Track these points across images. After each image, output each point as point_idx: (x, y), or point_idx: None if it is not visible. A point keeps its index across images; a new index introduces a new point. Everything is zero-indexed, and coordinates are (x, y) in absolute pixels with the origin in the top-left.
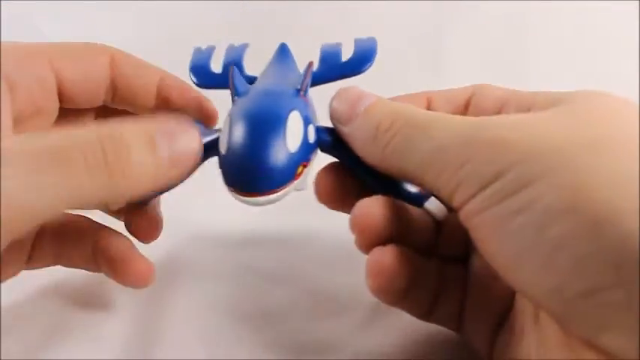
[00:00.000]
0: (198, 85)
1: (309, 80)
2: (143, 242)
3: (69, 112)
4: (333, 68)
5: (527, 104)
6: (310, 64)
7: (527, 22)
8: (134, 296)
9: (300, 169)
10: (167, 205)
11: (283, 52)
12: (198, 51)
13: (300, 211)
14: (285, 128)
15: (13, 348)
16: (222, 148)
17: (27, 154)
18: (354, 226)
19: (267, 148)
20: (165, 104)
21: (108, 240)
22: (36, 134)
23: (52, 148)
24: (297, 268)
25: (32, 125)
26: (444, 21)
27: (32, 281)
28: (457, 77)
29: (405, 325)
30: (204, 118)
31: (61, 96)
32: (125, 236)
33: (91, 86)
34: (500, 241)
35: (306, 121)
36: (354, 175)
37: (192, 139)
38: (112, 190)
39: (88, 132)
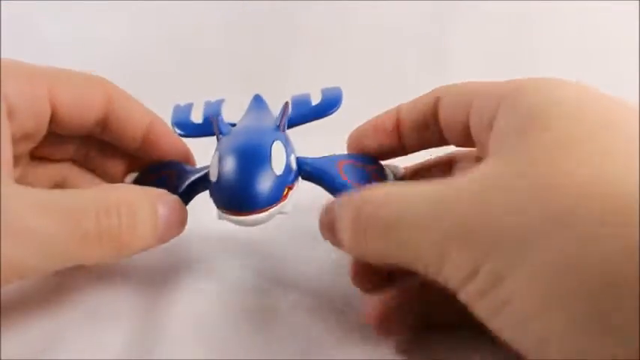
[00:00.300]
0: (182, 135)
1: (286, 118)
2: None
3: (53, 135)
4: (304, 112)
5: (489, 114)
6: (286, 103)
7: (527, 23)
8: (135, 296)
9: (285, 190)
10: None
11: (258, 101)
12: (177, 107)
13: (302, 213)
14: (270, 154)
15: (13, 348)
16: (213, 177)
17: (39, 213)
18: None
19: (255, 171)
20: (150, 146)
21: None
22: (47, 192)
23: (66, 209)
24: (299, 268)
25: (16, 149)
26: (444, 21)
27: (32, 281)
28: (458, 77)
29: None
30: (184, 160)
31: (52, 122)
32: None
33: (83, 118)
34: (496, 328)
35: (288, 150)
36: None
37: (182, 213)
38: (110, 256)
39: (98, 198)
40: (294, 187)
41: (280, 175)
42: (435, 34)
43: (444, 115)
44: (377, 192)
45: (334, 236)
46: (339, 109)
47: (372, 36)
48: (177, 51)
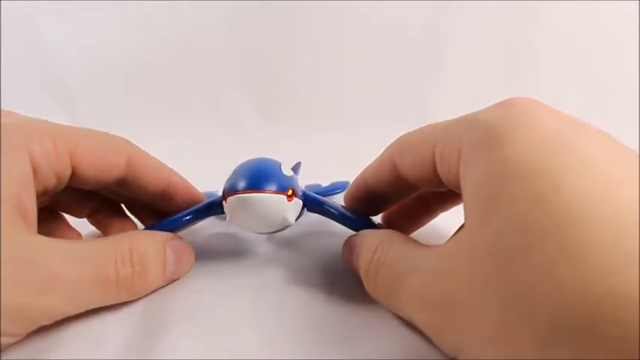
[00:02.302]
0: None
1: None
2: None
3: (73, 191)
4: (316, 192)
5: (454, 164)
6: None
7: (527, 23)
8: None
9: (290, 191)
10: None
11: None
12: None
13: (306, 218)
14: (279, 164)
15: (13, 348)
16: (227, 183)
17: (65, 262)
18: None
19: (265, 165)
20: (168, 199)
21: None
22: (70, 242)
23: (89, 258)
24: (301, 268)
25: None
26: (444, 21)
27: None
28: (457, 77)
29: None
30: None
31: (72, 180)
32: None
33: (102, 177)
34: None
35: (296, 173)
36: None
37: (187, 245)
38: (126, 297)
39: (115, 247)
40: (299, 202)
41: (287, 177)
42: (434, 34)
43: (407, 174)
44: (391, 253)
45: (351, 263)
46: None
47: (372, 36)
48: (178, 50)
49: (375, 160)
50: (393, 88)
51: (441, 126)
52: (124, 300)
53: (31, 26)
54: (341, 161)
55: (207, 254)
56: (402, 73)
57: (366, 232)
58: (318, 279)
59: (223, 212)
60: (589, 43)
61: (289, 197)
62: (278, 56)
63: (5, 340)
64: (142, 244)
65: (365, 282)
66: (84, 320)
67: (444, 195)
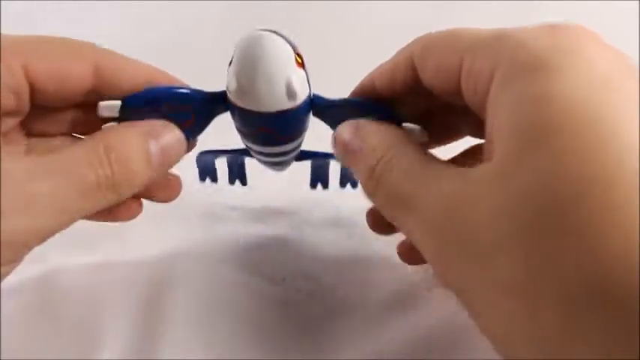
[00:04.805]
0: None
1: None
2: (164, 201)
3: (43, 109)
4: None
5: (484, 84)
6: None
7: (527, 23)
8: (135, 296)
9: (299, 59)
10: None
11: None
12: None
13: (303, 214)
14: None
15: (14, 348)
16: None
17: (40, 178)
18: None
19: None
20: None
21: None
22: (42, 157)
23: (63, 169)
24: (301, 268)
25: (3, 125)
26: (444, 21)
27: (33, 281)
28: None
29: (413, 324)
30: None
31: (34, 96)
32: None
33: (67, 89)
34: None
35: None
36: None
37: (176, 135)
38: (114, 199)
39: (89, 151)
40: (304, 76)
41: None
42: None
43: (428, 80)
44: (402, 163)
45: (347, 158)
46: None
47: (373, 36)
48: (177, 51)
49: (388, 62)
50: None
51: (472, 34)
52: (114, 202)
53: (31, 26)
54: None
55: (207, 254)
56: None
57: (370, 126)
58: (319, 279)
59: (225, 107)
60: None
61: (298, 61)
62: None
63: (2, 269)
64: (119, 143)
65: (364, 186)
66: (84, 320)
67: (451, 121)
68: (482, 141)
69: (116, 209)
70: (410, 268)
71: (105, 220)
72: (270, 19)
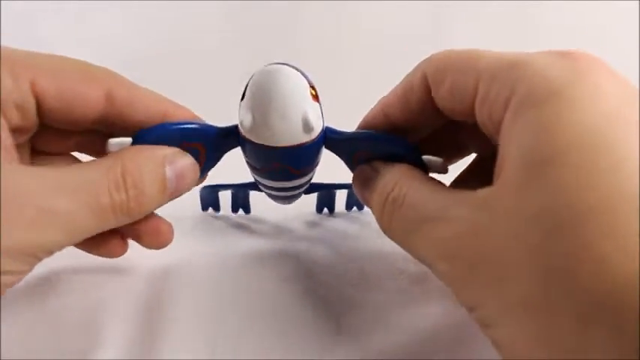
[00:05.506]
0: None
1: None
2: (156, 248)
3: (51, 129)
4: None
5: (499, 110)
6: None
7: (527, 23)
8: (135, 296)
9: (313, 91)
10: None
11: None
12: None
13: (305, 213)
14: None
15: (14, 348)
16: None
17: (56, 192)
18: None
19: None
20: None
21: None
22: (59, 170)
23: (80, 187)
24: (303, 267)
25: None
26: (444, 21)
27: (33, 281)
28: None
29: (416, 323)
30: None
31: (41, 116)
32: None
33: (76, 115)
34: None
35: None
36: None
37: (190, 161)
38: (125, 221)
39: (109, 171)
40: (319, 109)
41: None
42: (434, 34)
43: (442, 101)
44: (411, 192)
45: (364, 197)
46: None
47: (373, 36)
48: (177, 50)
49: (397, 87)
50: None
51: (488, 59)
52: (125, 223)
53: (31, 26)
54: (340, 163)
55: (207, 254)
56: (402, 74)
57: (383, 165)
58: (319, 278)
59: (237, 142)
60: (589, 43)
61: (313, 94)
62: (278, 57)
63: (11, 278)
64: (136, 166)
65: (378, 220)
66: (84, 320)
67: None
68: (474, 155)
69: (103, 246)
70: (412, 267)
71: (89, 251)
72: (270, 19)
